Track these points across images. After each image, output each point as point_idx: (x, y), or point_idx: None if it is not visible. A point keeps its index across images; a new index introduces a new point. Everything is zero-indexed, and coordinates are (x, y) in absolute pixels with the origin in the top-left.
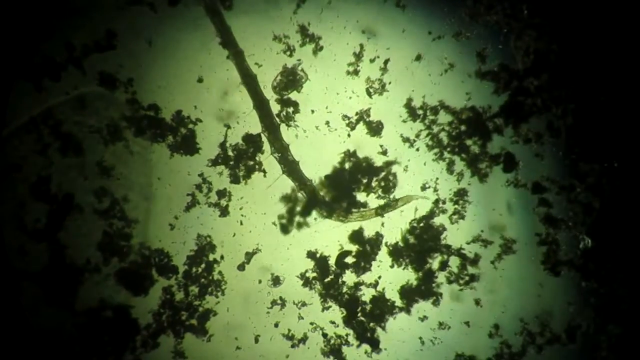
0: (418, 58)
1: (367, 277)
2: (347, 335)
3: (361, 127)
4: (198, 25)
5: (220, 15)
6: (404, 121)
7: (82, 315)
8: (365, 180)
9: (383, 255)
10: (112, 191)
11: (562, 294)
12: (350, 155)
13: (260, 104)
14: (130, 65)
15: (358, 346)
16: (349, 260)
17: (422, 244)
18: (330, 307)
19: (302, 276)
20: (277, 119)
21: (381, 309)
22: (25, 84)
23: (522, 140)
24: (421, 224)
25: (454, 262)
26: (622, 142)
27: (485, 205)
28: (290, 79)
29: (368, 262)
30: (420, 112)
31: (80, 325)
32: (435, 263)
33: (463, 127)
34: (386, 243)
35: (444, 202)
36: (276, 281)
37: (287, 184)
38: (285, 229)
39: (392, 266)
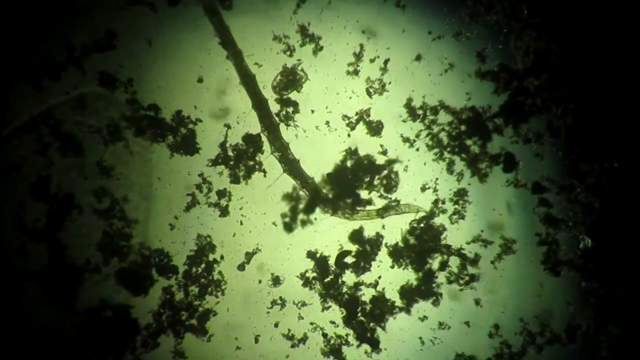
0: (418, 58)
1: (367, 277)
2: (347, 335)
3: (361, 127)
4: (198, 25)
5: (218, 15)
6: (404, 121)
7: (82, 315)
8: (367, 179)
9: (383, 255)
10: (112, 191)
11: (562, 294)
12: (351, 153)
13: (259, 104)
14: (130, 65)
15: (358, 346)
16: (349, 260)
17: (422, 244)
18: (330, 307)
19: (302, 276)
20: (277, 118)
21: (381, 309)
22: (25, 84)
23: (522, 140)
24: (421, 225)
25: (454, 262)
26: (622, 142)
27: (485, 205)
28: (290, 79)
29: (368, 262)
30: (420, 112)
31: (80, 325)
32: (435, 263)
33: (463, 127)
34: (386, 244)
35: (443, 202)
36: (276, 281)
37: (288, 183)
38: (288, 227)
39: (392, 266)
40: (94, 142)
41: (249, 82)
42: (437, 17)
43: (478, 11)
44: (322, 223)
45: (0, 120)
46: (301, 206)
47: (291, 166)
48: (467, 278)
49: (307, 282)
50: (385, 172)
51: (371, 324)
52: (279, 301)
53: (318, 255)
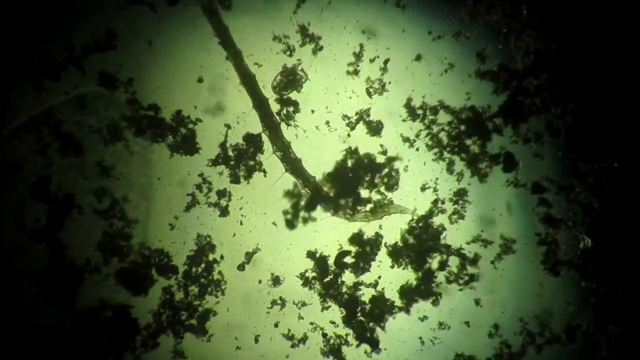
0: (418, 58)
1: (367, 277)
2: (346, 335)
3: (361, 127)
4: (197, 25)
5: (217, 15)
6: (404, 121)
7: (82, 315)
8: (367, 178)
9: (383, 255)
10: (112, 191)
11: (561, 294)
12: (352, 152)
13: (260, 104)
14: (130, 65)
15: (358, 346)
16: (348, 260)
17: (421, 244)
18: (330, 307)
19: (302, 276)
20: (277, 118)
21: (381, 308)
22: (25, 84)
23: (522, 140)
24: (420, 224)
25: (453, 262)
26: (622, 142)
27: (485, 205)
28: (290, 79)
29: (367, 263)
30: (420, 112)
31: (80, 325)
32: (434, 263)
33: (463, 127)
34: (385, 244)
35: (443, 202)
36: (276, 281)
37: (289, 182)
38: (290, 224)
39: (392, 266)
40: (94, 142)
41: (249, 82)
42: (437, 17)
43: (478, 11)
44: (323, 223)
45: (0, 120)
46: (302, 204)
47: (293, 165)
48: (466, 278)
49: (307, 282)
50: (386, 170)
51: (371, 324)
52: (279, 301)
53: (318, 255)
